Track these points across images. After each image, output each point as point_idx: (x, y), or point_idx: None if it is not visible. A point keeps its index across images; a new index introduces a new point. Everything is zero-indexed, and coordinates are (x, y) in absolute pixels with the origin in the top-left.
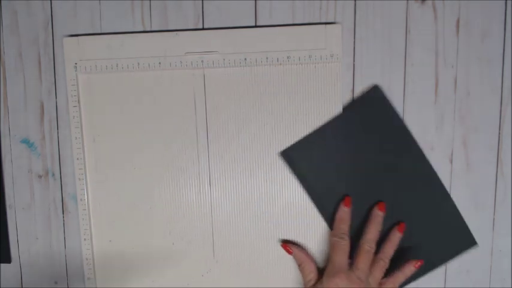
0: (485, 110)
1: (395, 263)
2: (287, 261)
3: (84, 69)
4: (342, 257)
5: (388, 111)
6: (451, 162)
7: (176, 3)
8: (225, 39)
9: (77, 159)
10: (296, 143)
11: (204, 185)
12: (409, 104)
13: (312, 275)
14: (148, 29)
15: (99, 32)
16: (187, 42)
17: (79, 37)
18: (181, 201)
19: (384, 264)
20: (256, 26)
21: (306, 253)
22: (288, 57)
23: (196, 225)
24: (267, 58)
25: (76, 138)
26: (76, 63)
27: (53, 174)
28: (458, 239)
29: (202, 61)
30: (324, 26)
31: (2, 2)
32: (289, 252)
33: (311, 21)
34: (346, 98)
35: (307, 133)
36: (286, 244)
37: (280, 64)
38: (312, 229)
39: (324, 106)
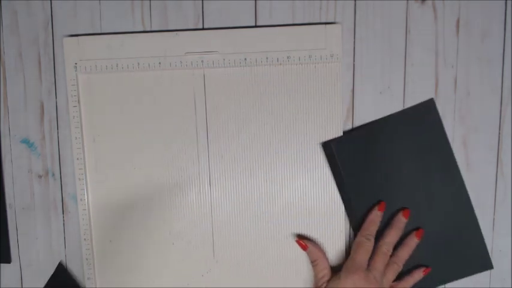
0: (485, 110)
1: (410, 268)
2: (287, 261)
3: (84, 69)
4: (363, 256)
5: (436, 126)
6: None
7: (176, 3)
8: (225, 39)
9: (77, 159)
10: (340, 136)
11: (204, 185)
12: (409, 104)
13: (326, 271)
14: (148, 29)
15: (99, 32)
16: (187, 42)
17: (79, 37)
18: (181, 201)
19: (397, 267)
20: (256, 26)
21: (321, 249)
22: (288, 57)
23: (196, 225)
24: (267, 58)
25: (76, 138)
26: (76, 63)
27: (53, 174)
28: (475, 259)
29: (202, 61)
30: (324, 26)
31: (2, 2)
32: (304, 248)
33: (311, 21)
34: (346, 98)
35: (351, 128)
36: (301, 240)
37: (280, 64)
38: (312, 229)
39: (324, 106)
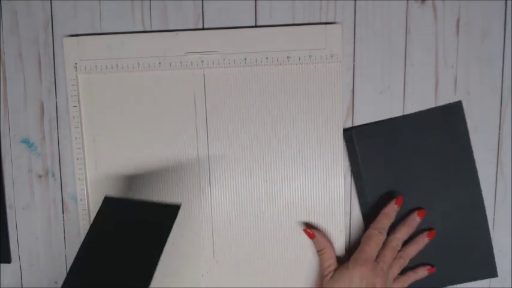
0: (485, 110)
1: (415, 265)
2: (287, 261)
3: (84, 69)
4: (373, 249)
5: (460, 129)
6: None
7: (176, 3)
8: (225, 39)
9: (77, 159)
10: (362, 125)
11: (204, 185)
12: (409, 104)
13: (332, 261)
14: (148, 29)
15: (99, 32)
16: (187, 42)
17: (79, 37)
18: (181, 201)
19: (403, 262)
20: (256, 26)
21: (328, 239)
22: (288, 57)
23: (196, 225)
24: (267, 58)
25: (76, 138)
26: (76, 63)
27: (53, 174)
28: (481, 266)
29: (202, 61)
30: (324, 26)
31: (2, 2)
32: (312, 237)
33: (311, 21)
34: (346, 98)
35: (376, 120)
36: (309, 228)
37: (280, 64)
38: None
39: (324, 106)
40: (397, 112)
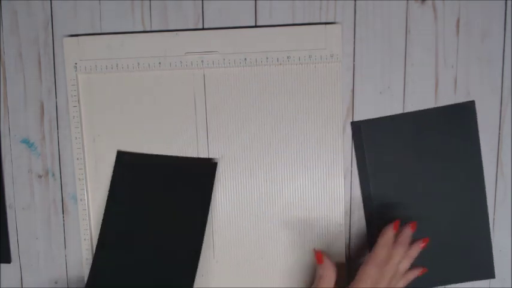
0: (485, 110)
1: (414, 264)
2: (287, 261)
3: (84, 69)
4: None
5: (471, 130)
6: None
7: (176, 3)
8: (225, 39)
9: (77, 159)
10: (371, 119)
11: None
12: (409, 103)
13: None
14: (148, 29)
15: (99, 32)
16: (187, 42)
17: (79, 37)
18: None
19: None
20: (256, 26)
21: (334, 268)
22: (288, 57)
23: None
24: (267, 58)
25: (76, 138)
26: (76, 63)
27: (53, 174)
28: (479, 266)
29: (202, 61)
30: (324, 26)
31: (2, 2)
32: (320, 261)
33: (311, 21)
34: (346, 98)
35: (385, 115)
36: (320, 252)
37: (280, 64)
38: (312, 229)
39: (324, 106)
40: (397, 112)
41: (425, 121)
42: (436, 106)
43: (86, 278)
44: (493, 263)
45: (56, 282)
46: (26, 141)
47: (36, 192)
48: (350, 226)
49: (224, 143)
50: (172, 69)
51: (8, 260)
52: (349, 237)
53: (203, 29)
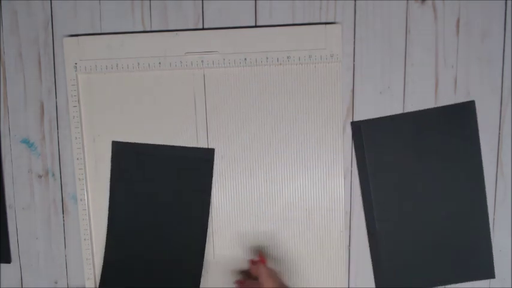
0: (485, 110)
1: (414, 264)
2: (287, 261)
3: (84, 69)
4: None
5: (471, 130)
6: None
7: (176, 3)
8: (225, 39)
9: (77, 159)
10: (371, 119)
11: None
12: (409, 103)
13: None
14: (148, 29)
15: (99, 32)
16: (187, 42)
17: (79, 37)
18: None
19: None
20: (256, 26)
21: (270, 273)
22: (288, 57)
23: None
24: (267, 58)
25: (76, 138)
26: (76, 63)
27: (53, 174)
28: (479, 266)
29: (202, 61)
30: (324, 26)
31: (2, 2)
32: (263, 261)
33: (311, 21)
34: (346, 98)
35: (385, 115)
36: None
37: (280, 64)
38: (312, 229)
39: (324, 106)
40: (397, 112)
41: (425, 121)
42: (436, 106)
43: (85, 278)
44: (493, 263)
45: (56, 282)
46: (26, 141)
47: (36, 192)
48: (350, 226)
49: (224, 143)
50: (172, 69)
51: (8, 260)
52: (349, 237)
53: (203, 29)
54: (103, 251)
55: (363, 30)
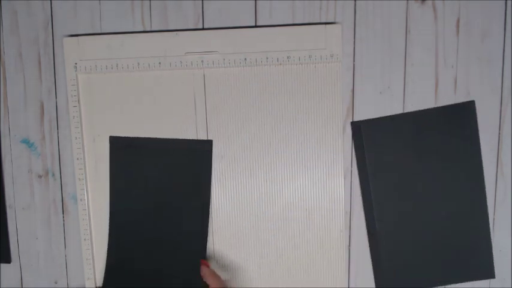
0: (485, 110)
1: (414, 264)
2: (287, 261)
3: (84, 69)
4: None
5: (471, 130)
6: None
7: (176, 3)
8: (225, 39)
9: (77, 159)
10: (371, 119)
11: None
12: (409, 103)
13: None
14: (148, 29)
15: (99, 32)
16: (187, 42)
17: (79, 37)
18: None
19: None
20: (256, 26)
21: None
22: (288, 57)
23: None
24: (267, 58)
25: (76, 138)
26: (76, 63)
27: (53, 174)
28: (479, 266)
29: (202, 61)
30: (324, 26)
31: (2, 2)
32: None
33: (311, 21)
34: (346, 98)
35: (385, 115)
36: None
37: (280, 64)
38: (312, 229)
39: (324, 106)
40: (397, 112)
41: (425, 121)
42: (436, 106)
43: (85, 278)
44: (493, 263)
45: (56, 282)
46: (26, 141)
47: (36, 192)
48: (350, 226)
49: (224, 143)
50: (172, 69)
51: (8, 260)
52: (349, 237)
53: (203, 29)
54: (103, 250)
55: (363, 30)
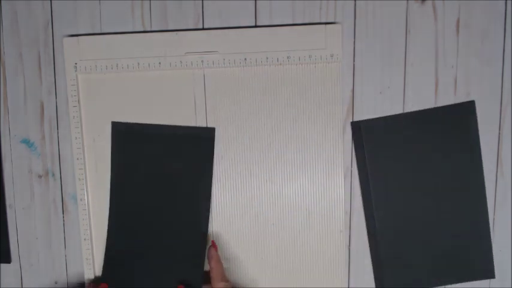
0: (485, 110)
1: (414, 264)
2: (287, 261)
3: (84, 69)
4: None
5: (471, 130)
6: None
7: (176, 3)
8: (225, 39)
9: (77, 159)
10: (371, 119)
11: None
12: (409, 103)
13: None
14: (148, 29)
15: (99, 32)
16: (187, 42)
17: (79, 37)
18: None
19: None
20: (256, 26)
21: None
22: (288, 57)
23: None
24: (267, 58)
25: (76, 138)
26: (76, 63)
27: (53, 174)
28: (479, 266)
29: (202, 61)
30: (324, 26)
31: (2, 2)
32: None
33: (311, 21)
34: (346, 98)
35: (385, 115)
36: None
37: (280, 64)
38: (312, 229)
39: (324, 106)
40: (397, 112)
41: (425, 121)
42: (436, 106)
43: (85, 278)
44: (493, 263)
45: (56, 282)
46: (26, 141)
47: (36, 192)
48: (350, 226)
49: (224, 143)
50: (172, 69)
51: (8, 260)
52: (349, 237)
53: (203, 29)
54: (104, 249)
55: (363, 30)
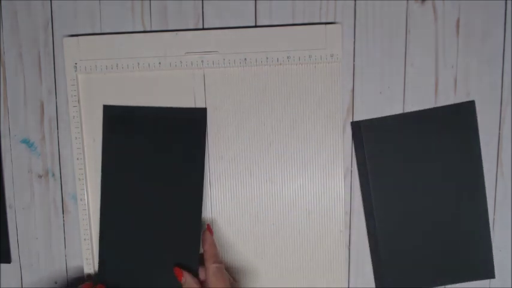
0: (485, 110)
1: (414, 264)
2: (287, 261)
3: (84, 69)
4: (227, 282)
5: (471, 130)
6: None
7: (176, 3)
8: (225, 39)
9: (77, 159)
10: (371, 119)
11: (204, 185)
12: (409, 104)
13: None
14: (148, 29)
15: (99, 32)
16: (187, 42)
17: (79, 37)
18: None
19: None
20: (256, 26)
21: (197, 282)
22: (288, 57)
23: None
24: (267, 58)
25: (76, 138)
26: (76, 63)
27: (53, 174)
28: (479, 266)
29: (202, 61)
30: (324, 26)
31: (2, 2)
32: (180, 277)
33: (311, 21)
34: (346, 98)
35: (385, 115)
36: (178, 270)
37: (280, 64)
38: (312, 229)
39: (324, 106)
40: (397, 112)
41: (425, 121)
42: (436, 106)
43: (85, 278)
44: (493, 263)
45: (56, 282)
46: (26, 141)
47: (36, 192)
48: (350, 226)
49: (224, 143)
50: (172, 69)
51: (8, 260)
52: (349, 237)
53: (203, 29)
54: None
55: (363, 30)
